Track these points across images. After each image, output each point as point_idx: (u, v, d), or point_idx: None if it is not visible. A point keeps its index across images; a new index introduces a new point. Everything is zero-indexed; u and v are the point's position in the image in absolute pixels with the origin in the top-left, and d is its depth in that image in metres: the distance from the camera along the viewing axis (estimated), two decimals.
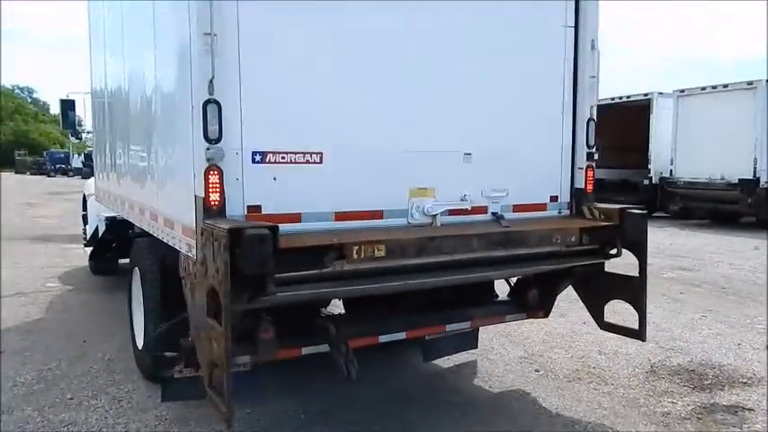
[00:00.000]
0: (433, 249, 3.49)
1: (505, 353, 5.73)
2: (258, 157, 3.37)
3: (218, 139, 3.17)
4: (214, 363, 3.03)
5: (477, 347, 5.43)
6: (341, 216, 3.63)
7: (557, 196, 4.46)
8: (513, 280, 4.91)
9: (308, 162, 3.52)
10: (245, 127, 3.31)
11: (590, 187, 4.45)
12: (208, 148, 3.15)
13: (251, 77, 3.31)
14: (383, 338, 3.99)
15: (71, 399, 4.65)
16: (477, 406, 4.57)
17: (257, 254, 2.81)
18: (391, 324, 4.03)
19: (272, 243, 2.85)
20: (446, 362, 5.40)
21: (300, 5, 3.45)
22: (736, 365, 5.38)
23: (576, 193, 4.48)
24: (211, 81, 3.13)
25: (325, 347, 3.75)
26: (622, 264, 4.34)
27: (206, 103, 3.14)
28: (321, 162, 3.55)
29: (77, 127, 9.34)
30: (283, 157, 3.45)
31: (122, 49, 5.25)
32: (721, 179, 16.57)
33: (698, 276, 9.52)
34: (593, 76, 4.39)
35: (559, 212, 4.47)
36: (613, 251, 4.17)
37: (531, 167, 4.35)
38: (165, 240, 4.02)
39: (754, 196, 15.93)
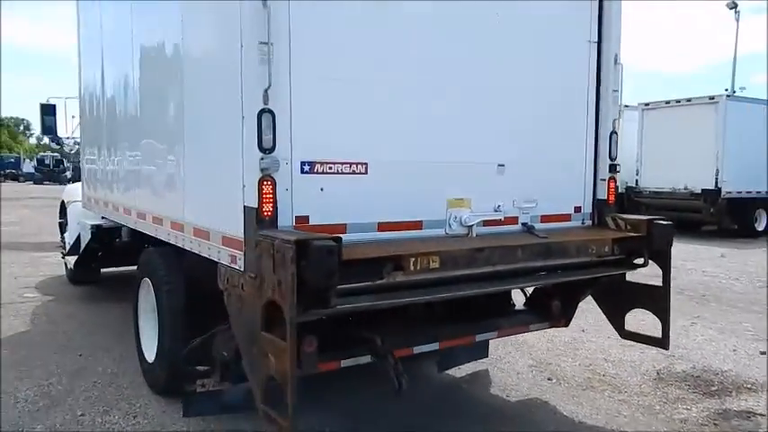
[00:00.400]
0: (482, 260, 3.50)
1: (514, 361, 5.77)
2: (307, 168, 3.33)
3: (272, 149, 3.12)
4: (271, 377, 2.96)
5: (487, 356, 5.47)
6: (383, 227, 3.61)
7: (580, 207, 4.54)
8: (530, 290, 4.96)
9: (353, 173, 3.49)
10: (294, 137, 3.25)
11: (612, 198, 4.54)
12: (262, 158, 3.09)
13: (301, 87, 3.27)
14: (417, 349, 3.97)
15: (82, 416, 4.46)
16: (501, 416, 4.58)
17: (325, 266, 2.76)
18: (426, 335, 4.01)
19: (338, 255, 2.80)
20: (457, 372, 5.41)
21: (350, 17, 3.43)
22: (738, 371, 5.55)
23: (599, 204, 4.57)
24: (266, 90, 3.07)
25: (364, 359, 3.71)
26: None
27: (261, 112, 3.07)
28: (366, 173, 3.53)
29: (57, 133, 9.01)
30: (330, 168, 3.41)
31: (131, 54, 5.10)
32: (685, 189, 17.14)
33: (676, 284, 9.71)
34: (616, 90, 4.49)
35: (582, 222, 4.55)
36: (640, 261, 4.26)
37: (558, 178, 4.42)
38: (194, 251, 3.91)
39: (716, 206, 16.54)
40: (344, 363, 3.68)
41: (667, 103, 17.92)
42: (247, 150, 3.14)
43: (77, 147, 10.05)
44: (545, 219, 4.31)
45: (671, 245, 4.24)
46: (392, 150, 3.64)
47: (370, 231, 3.56)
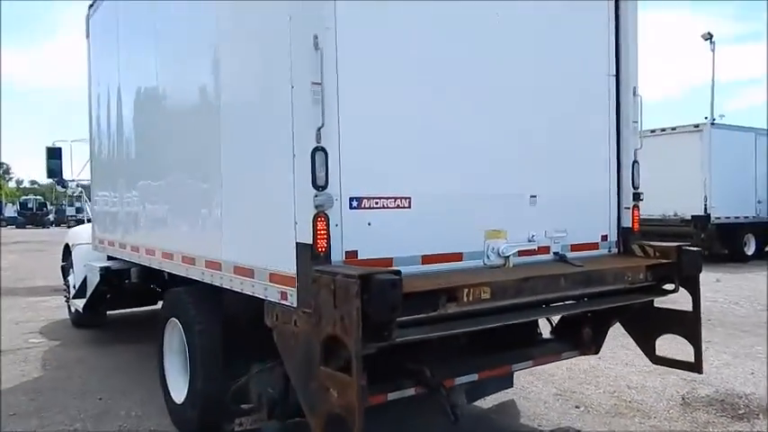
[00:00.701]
0: (528, 290, 3.56)
1: (538, 390, 5.79)
2: (355, 203, 3.39)
3: (325, 186, 3.17)
4: (333, 413, 2.96)
5: (512, 386, 5.48)
6: (427, 259, 3.67)
7: (606, 235, 4.63)
8: (555, 319, 5.01)
9: (398, 207, 3.56)
10: (343, 173, 3.32)
11: (636, 226, 4.65)
12: (316, 195, 3.14)
13: (348, 125, 3.35)
14: (458, 380, 3.98)
15: None
16: None
17: (389, 299, 2.80)
18: (467, 365, 4.03)
19: (400, 288, 2.85)
20: (484, 402, 5.40)
21: (395, 58, 3.56)
22: (761, 394, 5.61)
23: (624, 232, 4.67)
24: (319, 129, 3.14)
25: (409, 392, 3.71)
26: None
27: (314, 150, 3.14)
28: (410, 206, 3.60)
29: (63, 176, 8.97)
30: (376, 203, 3.48)
31: (156, 94, 5.17)
32: (675, 216, 17.42)
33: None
34: (635, 121, 4.64)
35: (609, 251, 4.64)
36: (670, 287, 4.34)
37: (585, 208, 4.52)
38: (234, 289, 3.92)
39: (706, 231, 16.82)
40: (391, 396, 3.68)
41: (653, 131, 18.28)
42: (300, 188, 3.19)
43: (80, 189, 10.07)
44: (575, 248, 4.39)
45: (700, 270, 4.33)
46: (433, 184, 3.72)
47: (415, 264, 3.61)
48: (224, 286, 4.05)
